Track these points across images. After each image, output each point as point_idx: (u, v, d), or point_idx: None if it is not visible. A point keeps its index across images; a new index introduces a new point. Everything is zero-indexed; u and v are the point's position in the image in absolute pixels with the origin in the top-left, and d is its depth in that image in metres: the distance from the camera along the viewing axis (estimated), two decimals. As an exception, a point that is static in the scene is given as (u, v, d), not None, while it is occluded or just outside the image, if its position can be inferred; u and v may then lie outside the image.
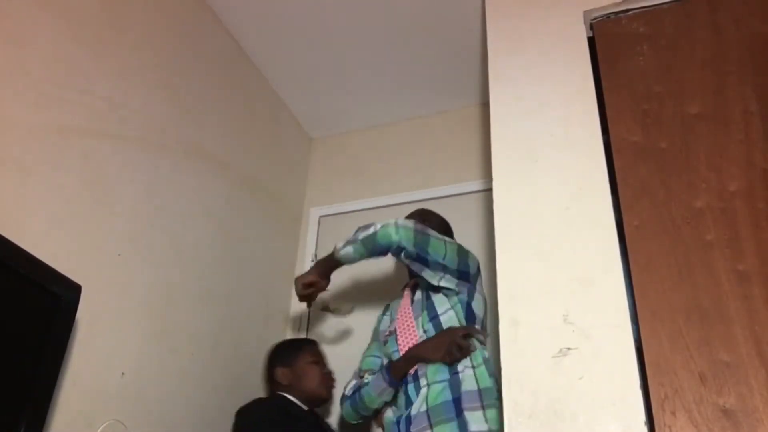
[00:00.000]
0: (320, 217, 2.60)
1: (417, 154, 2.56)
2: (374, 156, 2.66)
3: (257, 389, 2.05)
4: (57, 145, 1.44)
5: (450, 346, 1.57)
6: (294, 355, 1.92)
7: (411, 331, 1.72)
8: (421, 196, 2.44)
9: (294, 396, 1.85)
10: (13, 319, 1.07)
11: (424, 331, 1.69)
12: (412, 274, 1.85)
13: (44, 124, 1.41)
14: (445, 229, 1.96)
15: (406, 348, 1.68)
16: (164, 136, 1.83)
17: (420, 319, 1.72)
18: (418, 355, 1.63)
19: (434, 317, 1.69)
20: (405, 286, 1.91)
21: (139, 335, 1.62)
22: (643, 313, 1.19)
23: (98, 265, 1.51)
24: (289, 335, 2.34)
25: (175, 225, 1.83)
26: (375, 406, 1.69)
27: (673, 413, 1.08)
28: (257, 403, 1.81)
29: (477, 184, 2.34)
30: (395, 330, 1.77)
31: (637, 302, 1.21)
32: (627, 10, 1.57)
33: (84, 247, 1.47)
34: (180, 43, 1.96)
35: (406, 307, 1.81)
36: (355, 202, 2.55)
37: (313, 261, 2.47)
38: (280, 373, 1.88)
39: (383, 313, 1.97)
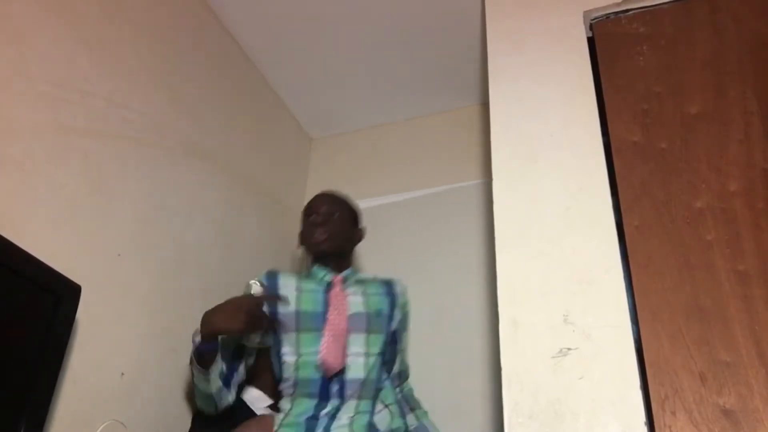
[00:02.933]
0: (320, 217, 2.59)
1: (417, 154, 2.56)
2: (374, 156, 2.66)
3: (257, 389, 2.04)
4: (57, 145, 1.44)
5: (247, 315, 1.41)
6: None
7: (340, 347, 1.54)
8: (421, 196, 2.44)
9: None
10: (13, 319, 1.07)
11: (366, 355, 1.55)
12: (335, 269, 1.68)
13: (44, 124, 1.41)
14: (355, 218, 1.84)
15: (331, 360, 1.50)
16: (164, 136, 1.83)
17: (367, 337, 1.58)
18: (213, 325, 1.42)
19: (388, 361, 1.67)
20: (328, 281, 1.67)
21: (139, 335, 1.62)
22: (643, 313, 1.19)
23: (98, 265, 1.50)
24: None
25: (175, 225, 1.83)
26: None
27: (673, 413, 1.08)
28: None
29: (477, 184, 2.34)
30: (323, 329, 1.55)
31: (637, 302, 1.21)
32: (627, 10, 1.57)
33: (84, 247, 1.47)
34: (180, 42, 1.96)
35: (341, 305, 1.60)
36: (355, 202, 2.55)
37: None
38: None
39: (270, 278, 1.66)
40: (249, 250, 2.21)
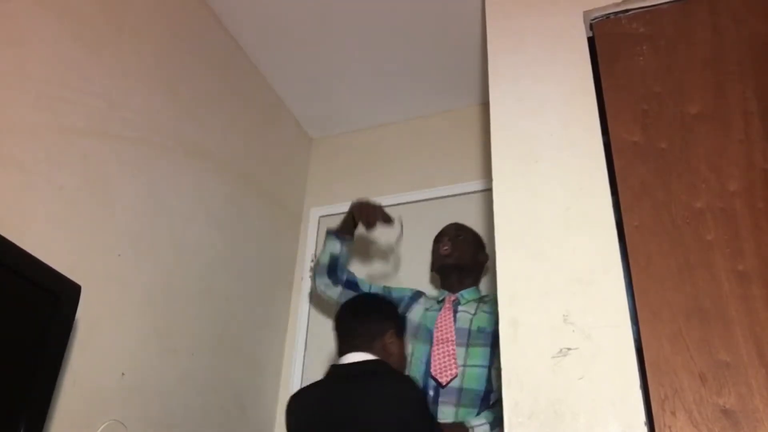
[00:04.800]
0: (320, 217, 2.60)
1: (417, 154, 2.56)
2: (374, 156, 2.66)
3: (258, 389, 2.05)
4: (57, 145, 1.44)
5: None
6: (405, 332, 1.72)
7: (449, 356, 1.65)
8: (421, 196, 2.44)
9: None
10: (12, 319, 1.07)
11: (464, 366, 1.65)
12: (456, 288, 1.83)
13: (44, 124, 1.41)
14: (480, 243, 1.96)
15: (443, 375, 1.63)
16: (164, 136, 1.83)
17: (466, 350, 1.67)
18: None
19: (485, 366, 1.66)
20: (442, 300, 1.84)
21: (139, 335, 1.62)
22: (643, 313, 1.19)
23: (98, 265, 1.51)
24: (290, 335, 2.34)
25: (175, 225, 1.83)
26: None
27: (673, 413, 1.08)
28: (402, 375, 1.55)
29: (477, 184, 2.34)
30: (431, 344, 1.70)
31: (637, 302, 1.21)
32: (627, 10, 1.57)
33: (84, 247, 1.47)
34: (180, 43, 1.96)
35: (446, 320, 1.74)
36: (355, 202, 2.54)
37: (313, 261, 2.47)
38: (392, 338, 1.59)
39: (412, 299, 1.89)
40: (249, 250, 2.21)
